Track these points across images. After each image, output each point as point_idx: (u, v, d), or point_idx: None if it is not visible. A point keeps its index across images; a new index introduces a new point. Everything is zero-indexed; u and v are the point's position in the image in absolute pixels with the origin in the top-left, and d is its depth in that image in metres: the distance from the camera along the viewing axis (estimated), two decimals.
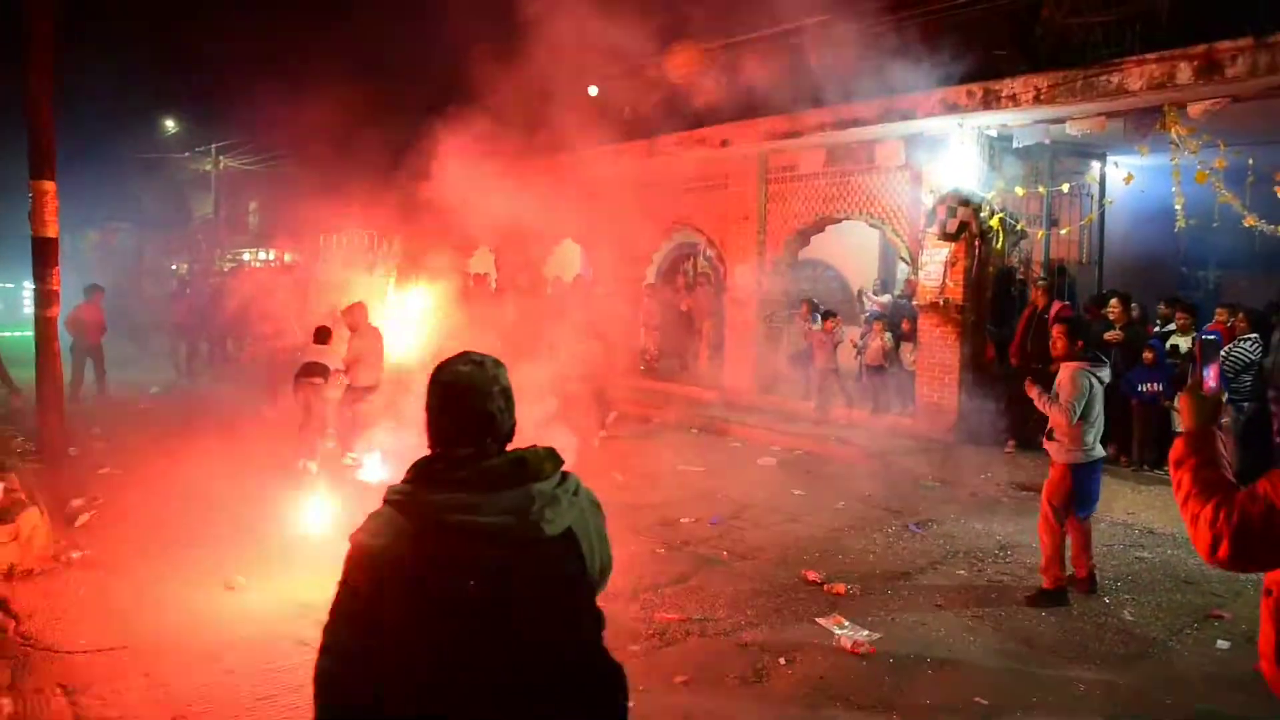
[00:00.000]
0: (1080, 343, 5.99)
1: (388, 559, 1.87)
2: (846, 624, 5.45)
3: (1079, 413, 5.81)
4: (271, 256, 28.26)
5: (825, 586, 6.20)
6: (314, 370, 9.69)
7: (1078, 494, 5.98)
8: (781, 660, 4.96)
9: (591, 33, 12.82)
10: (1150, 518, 8.02)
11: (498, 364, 2.08)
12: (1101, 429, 6.08)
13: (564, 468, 2.06)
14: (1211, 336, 2.56)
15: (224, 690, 4.52)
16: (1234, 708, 4.55)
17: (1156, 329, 9.89)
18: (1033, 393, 6.03)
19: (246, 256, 33.44)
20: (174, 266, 31.93)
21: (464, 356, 2.08)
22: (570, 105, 15.47)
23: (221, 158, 32.53)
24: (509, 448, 2.05)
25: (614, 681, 2.06)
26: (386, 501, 1.95)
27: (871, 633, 5.34)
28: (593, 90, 16.71)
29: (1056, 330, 6.07)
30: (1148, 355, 9.10)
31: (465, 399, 1.99)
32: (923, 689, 4.69)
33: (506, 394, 2.06)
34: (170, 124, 34.45)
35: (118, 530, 7.31)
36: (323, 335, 10.15)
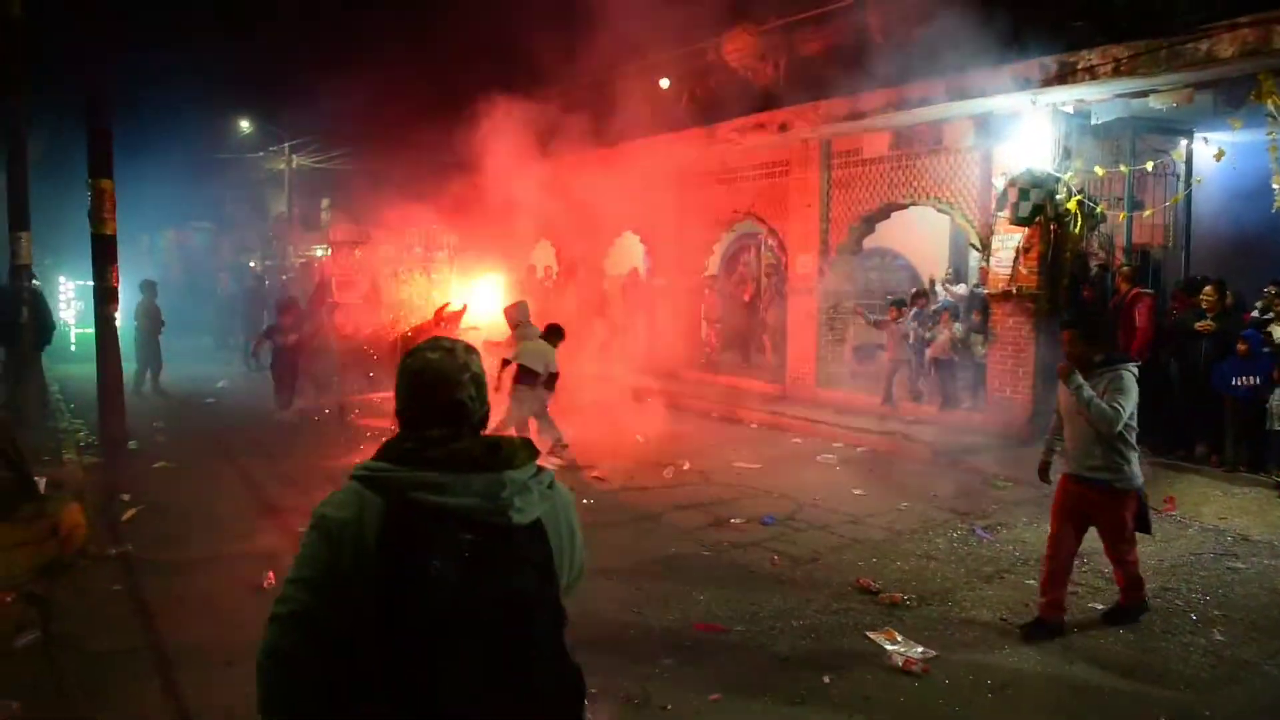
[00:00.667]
0: (1096, 349, 5.16)
1: (350, 533, 1.82)
2: (899, 639, 5.03)
3: (1125, 420, 5.03)
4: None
5: (881, 595, 5.79)
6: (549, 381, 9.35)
7: (1146, 516, 5.28)
8: (825, 678, 4.58)
9: (650, 17, 12.57)
10: (1245, 524, 7.37)
11: (469, 350, 2.05)
12: None
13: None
14: None
15: (235, 698, 4.34)
16: None
17: (1254, 316, 9.11)
18: (1070, 383, 5.05)
19: (319, 253, 34.11)
20: (250, 264, 32.77)
21: (433, 343, 2.05)
22: (629, 94, 15.25)
23: (294, 156, 33.21)
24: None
25: (571, 683, 1.97)
26: (353, 477, 1.90)
27: (926, 649, 4.91)
28: (664, 83, 16.41)
29: (1067, 335, 5.21)
30: (1241, 347, 8.39)
31: (434, 386, 1.97)
32: (980, 714, 4.27)
33: (478, 381, 2.02)
34: (245, 124, 35.24)
35: (163, 525, 7.31)
36: (555, 334, 9.62)
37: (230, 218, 35.89)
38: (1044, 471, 5.70)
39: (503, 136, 13.15)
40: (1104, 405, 4.93)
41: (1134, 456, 5.16)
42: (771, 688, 4.50)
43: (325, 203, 36.04)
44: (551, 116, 14.15)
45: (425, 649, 1.77)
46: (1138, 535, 5.32)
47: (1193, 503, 7.90)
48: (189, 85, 31.53)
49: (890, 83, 10.69)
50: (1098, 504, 5.17)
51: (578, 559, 2.06)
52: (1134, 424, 5.12)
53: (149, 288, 14.86)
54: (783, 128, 12.42)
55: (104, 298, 9.87)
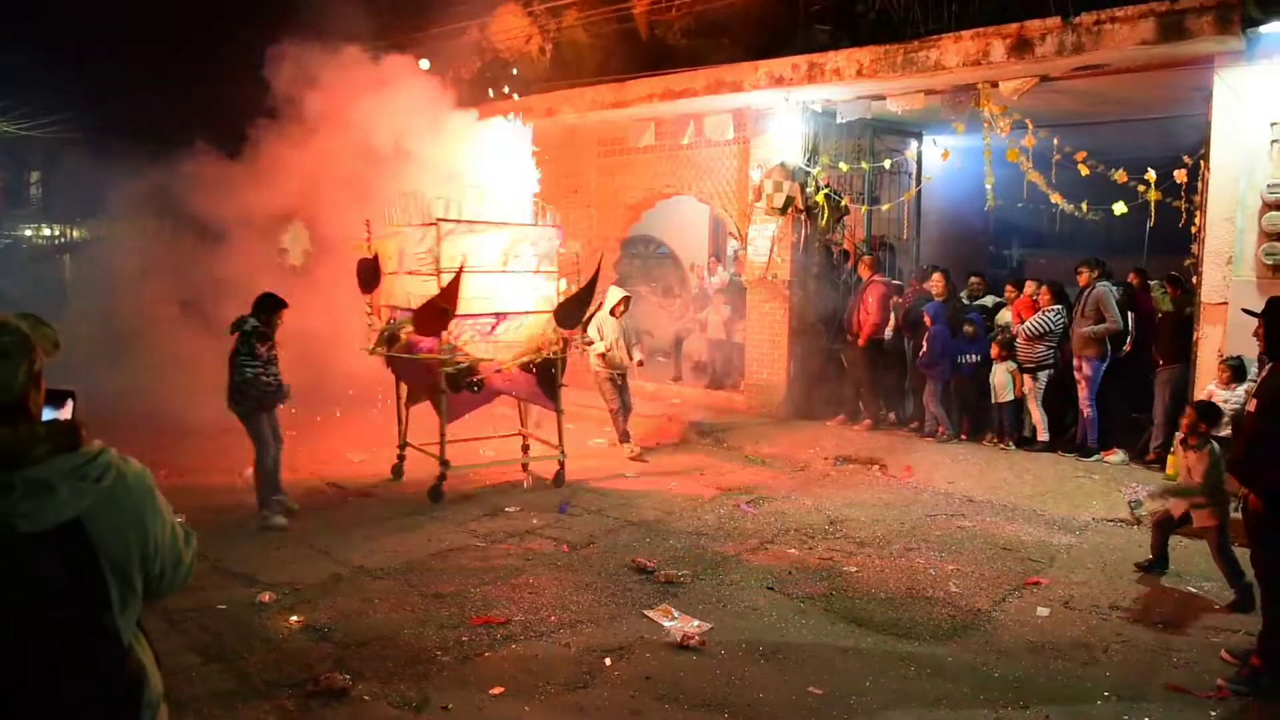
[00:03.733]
0: None
1: None
2: (675, 615, 5.14)
3: None
4: (56, 232, 25.45)
5: (657, 574, 5.90)
6: None
7: None
8: (608, 660, 4.59)
9: None
10: (968, 486, 8.20)
11: None
12: None
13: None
14: None
15: None
16: (1056, 676, 4.54)
17: (964, 303, 10.18)
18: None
19: (28, 232, 30.17)
20: None
21: None
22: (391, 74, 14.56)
23: None
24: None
25: (113, 699, 1.79)
26: None
27: (702, 623, 5.06)
28: (424, 64, 15.74)
29: None
30: (969, 329, 9.33)
31: None
32: (754, 682, 4.45)
33: None
34: None
35: None
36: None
37: None
38: None
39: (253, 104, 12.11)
40: None
41: None
42: (557, 675, 4.45)
43: (35, 176, 31.91)
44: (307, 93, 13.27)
45: None
46: None
47: (925, 469, 8.69)
48: None
49: (655, 74, 10.92)
50: None
51: (163, 549, 1.88)
52: None
53: None
54: (549, 113, 12.35)
55: None
